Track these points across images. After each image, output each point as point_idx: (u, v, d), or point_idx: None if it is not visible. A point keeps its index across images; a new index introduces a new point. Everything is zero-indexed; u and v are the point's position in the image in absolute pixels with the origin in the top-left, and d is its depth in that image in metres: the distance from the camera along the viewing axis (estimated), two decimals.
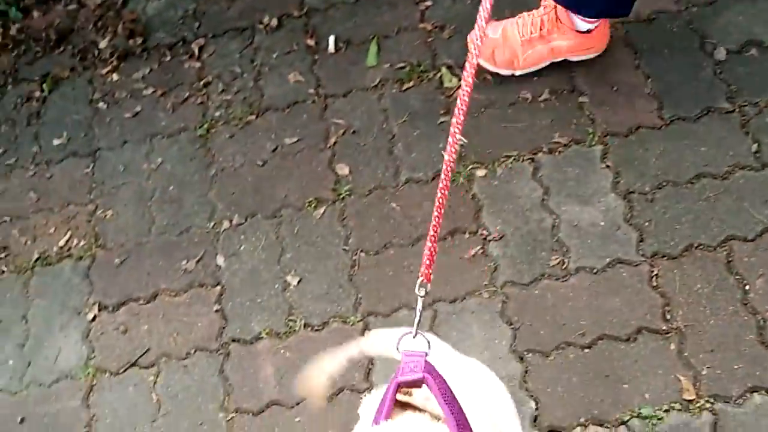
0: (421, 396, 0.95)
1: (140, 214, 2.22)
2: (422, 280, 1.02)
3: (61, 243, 2.23)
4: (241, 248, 2.08)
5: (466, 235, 1.94)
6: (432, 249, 1.04)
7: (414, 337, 0.98)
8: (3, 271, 2.23)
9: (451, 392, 0.92)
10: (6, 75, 2.65)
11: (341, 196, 2.09)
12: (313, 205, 2.10)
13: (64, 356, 2.04)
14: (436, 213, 1.05)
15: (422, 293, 1.02)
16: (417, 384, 0.94)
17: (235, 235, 2.11)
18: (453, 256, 1.91)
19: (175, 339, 1.99)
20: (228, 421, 1.84)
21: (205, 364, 1.93)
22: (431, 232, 1.04)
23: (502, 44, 2.10)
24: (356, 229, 2.03)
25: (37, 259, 2.22)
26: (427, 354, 0.95)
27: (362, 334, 1.87)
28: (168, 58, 2.52)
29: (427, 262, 1.03)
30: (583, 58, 2.11)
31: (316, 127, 2.24)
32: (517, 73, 2.15)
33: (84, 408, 1.96)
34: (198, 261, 2.09)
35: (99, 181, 2.32)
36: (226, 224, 2.13)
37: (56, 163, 2.40)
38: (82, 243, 2.21)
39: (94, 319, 2.08)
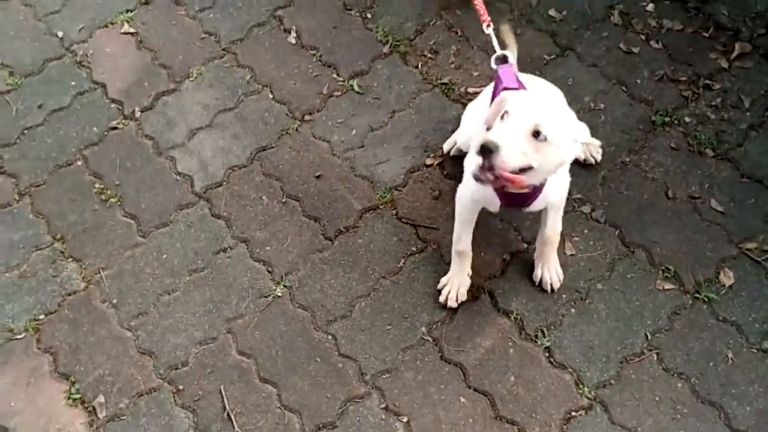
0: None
1: None
2: (485, 24, 1.68)
3: None
4: None
5: None
6: (480, 7, 1.69)
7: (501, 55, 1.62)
8: None
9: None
10: None
11: None
12: None
13: (386, 168, 2.07)
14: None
15: (489, 30, 1.67)
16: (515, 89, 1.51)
17: None
18: None
19: None
20: None
21: None
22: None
23: None
24: None
25: None
26: (512, 64, 1.61)
27: None
28: None
29: (482, 13, 1.68)
30: None
31: None
32: None
33: (357, 218, 2.00)
34: None
35: None
36: None
37: None
38: None
39: None
